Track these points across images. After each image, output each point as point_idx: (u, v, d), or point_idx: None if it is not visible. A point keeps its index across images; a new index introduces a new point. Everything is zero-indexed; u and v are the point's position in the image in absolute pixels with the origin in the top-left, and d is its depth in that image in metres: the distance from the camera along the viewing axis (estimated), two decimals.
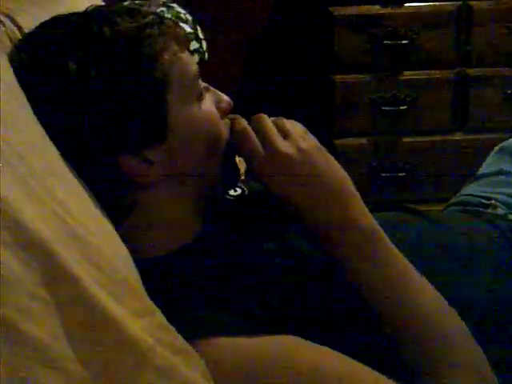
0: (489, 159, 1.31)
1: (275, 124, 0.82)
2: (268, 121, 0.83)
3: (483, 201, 1.17)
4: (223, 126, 0.86)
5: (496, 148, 1.32)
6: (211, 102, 0.86)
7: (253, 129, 0.82)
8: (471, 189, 1.26)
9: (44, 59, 0.79)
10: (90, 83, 0.77)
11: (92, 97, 0.77)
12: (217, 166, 0.86)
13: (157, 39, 0.80)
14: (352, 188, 0.82)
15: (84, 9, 0.87)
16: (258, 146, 0.80)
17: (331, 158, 0.83)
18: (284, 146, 0.80)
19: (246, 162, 0.83)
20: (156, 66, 0.79)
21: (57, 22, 0.83)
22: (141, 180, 0.81)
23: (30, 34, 0.84)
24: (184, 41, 0.85)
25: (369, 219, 0.81)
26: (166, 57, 0.80)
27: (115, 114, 0.78)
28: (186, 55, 0.84)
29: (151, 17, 0.82)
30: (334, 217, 0.79)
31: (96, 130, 0.78)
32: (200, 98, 0.84)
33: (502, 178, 1.21)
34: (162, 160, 0.81)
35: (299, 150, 0.80)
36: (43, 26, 0.84)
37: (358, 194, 0.82)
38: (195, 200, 0.86)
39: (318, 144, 0.83)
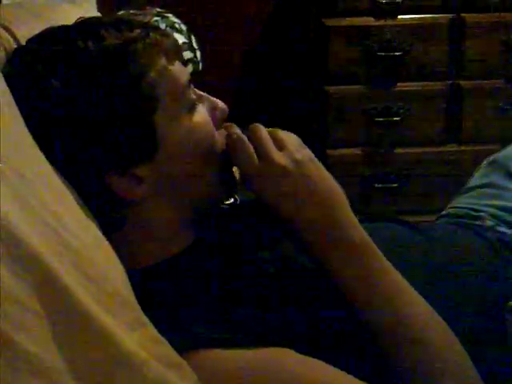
0: (479, 172, 1.32)
1: (270, 134, 0.82)
2: (264, 131, 0.82)
3: (472, 213, 1.18)
4: (218, 136, 0.85)
5: (485, 161, 1.32)
6: (205, 111, 0.85)
7: (248, 138, 0.82)
8: (461, 201, 1.27)
9: (29, 75, 0.79)
10: (73, 101, 0.76)
11: (75, 114, 0.77)
12: (212, 176, 0.86)
13: (143, 54, 0.79)
14: (344, 201, 0.82)
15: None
16: (253, 156, 0.80)
17: (324, 171, 0.83)
18: (279, 156, 0.80)
19: (241, 172, 0.83)
20: (142, 83, 0.79)
21: (45, 36, 0.83)
22: (130, 197, 0.80)
23: (20, 47, 0.84)
24: (174, 52, 0.84)
25: (360, 232, 0.81)
26: (153, 72, 0.80)
27: (100, 131, 0.77)
28: (175, 67, 0.83)
29: (138, 30, 0.81)
30: (325, 229, 0.79)
31: (81, 148, 0.77)
32: (192, 109, 0.84)
33: (491, 190, 1.22)
34: (151, 176, 0.80)
35: (294, 161, 0.80)
36: (32, 39, 0.83)
37: (349, 207, 0.82)
38: (188, 212, 0.86)
39: (313, 156, 0.83)
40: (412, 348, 0.77)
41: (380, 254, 0.81)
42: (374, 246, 0.81)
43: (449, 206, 1.29)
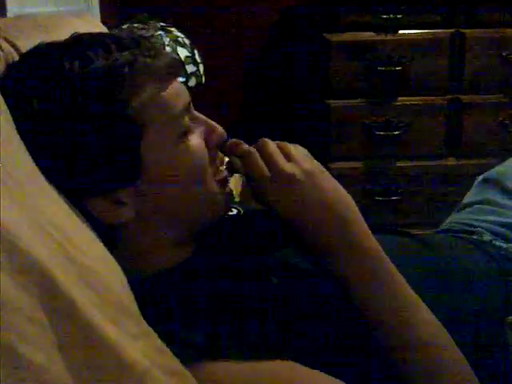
0: (473, 189, 1.33)
1: (279, 147, 0.82)
2: (272, 144, 0.83)
3: (469, 228, 1.18)
4: (212, 160, 0.85)
5: (479, 179, 1.33)
6: (198, 137, 0.84)
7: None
8: (457, 217, 1.27)
9: (14, 94, 0.77)
10: (52, 124, 0.75)
11: (54, 137, 0.75)
12: (202, 200, 0.85)
13: (129, 80, 0.77)
14: (356, 210, 0.82)
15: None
16: (263, 168, 0.80)
17: (334, 180, 0.83)
18: (288, 167, 0.80)
19: (251, 184, 0.83)
20: (127, 109, 0.77)
21: (35, 54, 0.82)
22: (112, 220, 0.80)
23: (12, 63, 0.83)
24: (168, 75, 0.82)
25: (372, 242, 0.81)
26: (140, 98, 0.78)
27: (80, 156, 0.76)
28: (169, 92, 0.81)
29: (126, 53, 0.78)
30: (338, 238, 0.79)
31: (60, 171, 0.76)
32: (185, 135, 0.82)
33: (487, 206, 1.23)
34: (133, 200, 0.80)
35: (303, 171, 0.80)
36: (25, 55, 0.83)
37: (361, 217, 0.82)
38: (182, 230, 0.86)
39: (322, 167, 0.83)
40: (417, 354, 0.77)
41: (391, 264, 0.81)
42: (386, 257, 0.81)
43: (445, 222, 1.30)
